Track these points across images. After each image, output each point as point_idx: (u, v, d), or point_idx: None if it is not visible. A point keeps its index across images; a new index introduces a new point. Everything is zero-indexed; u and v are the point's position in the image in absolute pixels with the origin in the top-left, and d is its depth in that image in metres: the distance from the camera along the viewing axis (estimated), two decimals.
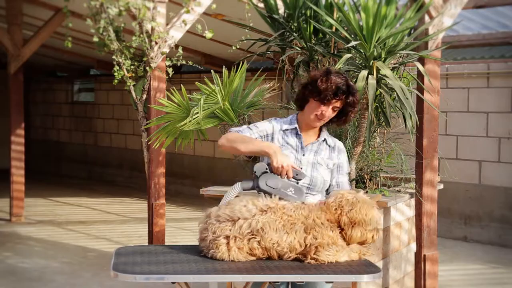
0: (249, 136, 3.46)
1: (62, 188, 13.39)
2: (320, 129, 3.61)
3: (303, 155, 3.51)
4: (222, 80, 5.04)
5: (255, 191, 3.37)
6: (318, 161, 3.52)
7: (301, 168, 3.41)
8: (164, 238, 6.23)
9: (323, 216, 3.14)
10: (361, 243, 3.17)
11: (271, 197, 3.18)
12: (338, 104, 3.45)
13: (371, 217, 3.15)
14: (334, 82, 3.40)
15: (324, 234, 3.08)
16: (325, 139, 3.59)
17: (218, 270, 2.90)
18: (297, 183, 3.29)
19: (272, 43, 5.44)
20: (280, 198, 3.19)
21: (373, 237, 3.17)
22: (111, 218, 10.03)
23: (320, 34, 5.37)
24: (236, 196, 3.28)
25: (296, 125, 3.54)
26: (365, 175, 5.17)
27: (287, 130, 3.53)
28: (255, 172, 3.26)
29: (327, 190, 3.57)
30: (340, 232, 3.15)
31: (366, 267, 3.01)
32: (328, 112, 3.45)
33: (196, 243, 3.30)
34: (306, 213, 3.13)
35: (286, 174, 3.25)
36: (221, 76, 5.05)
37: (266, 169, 3.25)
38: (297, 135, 3.53)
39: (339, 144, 3.65)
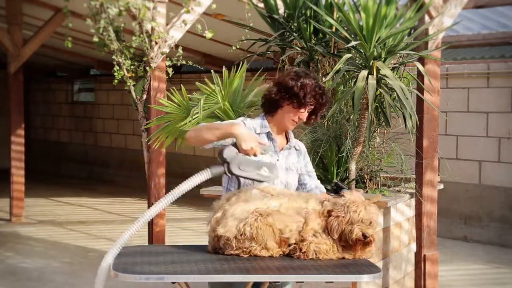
0: (214, 123, 3.35)
1: (62, 188, 13.39)
2: (287, 131, 3.55)
3: (277, 160, 3.44)
4: (222, 80, 5.04)
5: (227, 176, 3.27)
6: (290, 166, 3.49)
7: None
8: (164, 238, 6.23)
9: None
10: (365, 244, 3.13)
11: (239, 184, 3.15)
12: (313, 106, 3.42)
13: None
14: (310, 86, 3.35)
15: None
16: (294, 145, 3.55)
17: (218, 270, 2.90)
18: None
19: (272, 43, 5.44)
20: (257, 181, 3.13)
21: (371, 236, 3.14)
22: (112, 218, 10.04)
23: (320, 34, 5.37)
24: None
25: (269, 129, 3.44)
26: (365, 175, 5.17)
27: (260, 133, 3.43)
28: (225, 157, 3.07)
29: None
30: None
31: (366, 267, 3.01)
32: (305, 116, 3.42)
33: (196, 243, 3.30)
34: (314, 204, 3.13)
35: (255, 153, 3.13)
36: (221, 76, 5.05)
37: (236, 153, 3.09)
38: (271, 139, 3.44)
39: (303, 146, 3.62)
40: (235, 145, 3.12)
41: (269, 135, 3.43)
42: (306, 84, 3.34)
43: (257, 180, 3.13)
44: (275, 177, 3.18)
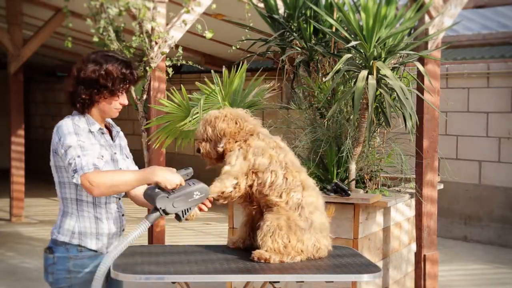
0: (114, 172, 3.00)
1: None
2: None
3: (115, 153, 3.21)
4: (222, 80, 5.04)
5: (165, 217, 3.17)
6: (126, 154, 3.32)
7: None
8: (164, 238, 6.23)
9: None
10: None
11: (182, 215, 3.02)
12: (128, 86, 3.17)
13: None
14: (117, 71, 3.07)
15: None
16: (118, 130, 3.34)
17: (219, 270, 2.90)
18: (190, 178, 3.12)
19: (272, 43, 5.44)
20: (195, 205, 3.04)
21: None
22: None
23: (320, 34, 5.37)
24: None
25: (98, 125, 3.15)
26: (365, 175, 5.17)
27: (93, 132, 3.11)
28: (160, 207, 2.95)
29: None
30: None
31: (366, 267, 3.01)
32: (125, 98, 3.18)
33: (196, 243, 3.30)
34: None
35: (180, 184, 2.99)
36: (221, 76, 5.05)
37: (167, 197, 2.95)
38: (103, 134, 3.18)
39: (119, 128, 3.41)
40: (157, 186, 2.98)
41: (102, 131, 3.17)
42: (110, 71, 3.06)
43: (193, 205, 3.05)
44: (208, 194, 3.06)
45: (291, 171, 3.13)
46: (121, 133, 3.37)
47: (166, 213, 2.98)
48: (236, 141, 3.18)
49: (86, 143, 2.99)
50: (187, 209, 3.02)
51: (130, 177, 2.94)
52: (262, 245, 3.05)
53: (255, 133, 3.20)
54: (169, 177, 2.94)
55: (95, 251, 3.10)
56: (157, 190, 2.97)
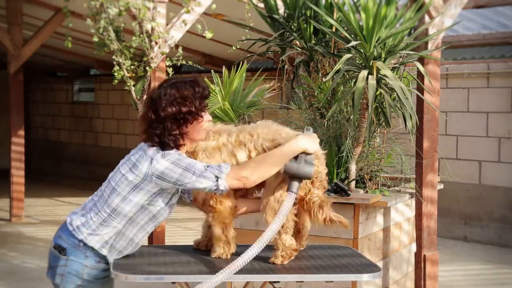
0: (260, 158, 2.99)
1: (62, 188, 13.39)
2: None
3: None
4: (222, 80, 5.04)
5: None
6: None
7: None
8: (164, 238, 6.23)
9: None
10: None
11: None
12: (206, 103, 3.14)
13: None
14: (189, 92, 3.01)
15: None
16: None
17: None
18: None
19: (272, 43, 5.44)
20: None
21: None
22: None
23: (320, 34, 5.37)
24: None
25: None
26: (365, 175, 5.17)
27: None
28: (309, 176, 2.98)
29: None
30: None
31: (366, 267, 3.01)
32: (208, 114, 3.15)
33: None
34: None
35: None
36: (221, 76, 5.05)
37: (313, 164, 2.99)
38: None
39: None
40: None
41: None
42: (187, 95, 2.99)
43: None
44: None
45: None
46: None
47: (311, 175, 2.96)
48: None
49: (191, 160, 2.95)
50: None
51: (278, 155, 2.94)
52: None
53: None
54: (308, 139, 2.97)
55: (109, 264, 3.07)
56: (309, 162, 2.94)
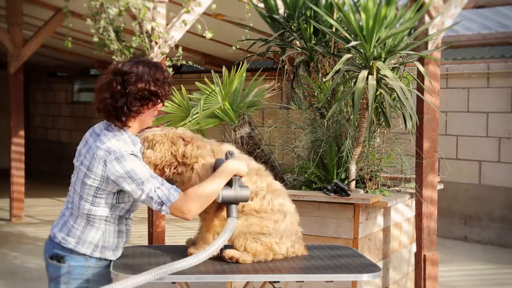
0: (198, 186, 2.96)
1: (62, 188, 13.35)
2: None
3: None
4: (222, 80, 5.04)
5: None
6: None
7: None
8: (164, 238, 6.23)
9: None
10: None
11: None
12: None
13: None
14: (166, 75, 3.02)
15: None
16: None
17: (218, 271, 2.90)
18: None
19: (272, 43, 5.44)
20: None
21: None
22: None
23: (320, 34, 5.37)
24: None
25: (140, 144, 3.07)
26: (365, 175, 5.17)
27: (133, 152, 2.96)
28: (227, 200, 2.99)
29: None
30: None
31: (366, 267, 3.01)
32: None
33: None
34: None
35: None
36: (221, 76, 5.05)
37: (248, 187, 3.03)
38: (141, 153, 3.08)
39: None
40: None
41: (142, 151, 3.07)
42: (158, 77, 2.98)
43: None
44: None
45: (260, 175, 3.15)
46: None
47: (246, 198, 2.99)
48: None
49: (141, 163, 2.91)
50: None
51: (215, 185, 2.93)
52: (236, 245, 3.04)
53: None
54: (239, 162, 2.98)
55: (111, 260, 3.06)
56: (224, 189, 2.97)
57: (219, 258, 3.09)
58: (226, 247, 3.05)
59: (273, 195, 3.14)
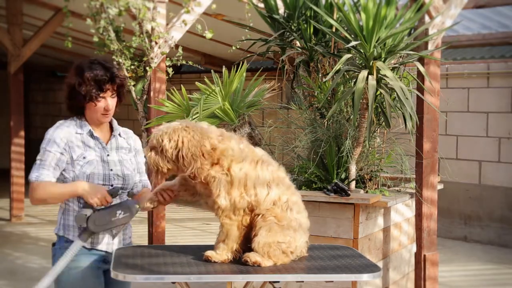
0: (52, 185, 3.20)
1: None
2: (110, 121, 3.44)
3: (108, 155, 3.32)
4: (222, 80, 5.04)
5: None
6: (123, 157, 3.37)
7: (111, 177, 3.28)
8: (164, 238, 6.23)
9: None
10: None
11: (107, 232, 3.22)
12: (110, 91, 3.29)
13: None
14: (92, 78, 3.26)
15: None
16: (119, 132, 3.44)
17: (218, 271, 2.90)
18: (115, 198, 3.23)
19: (272, 43, 5.44)
20: (120, 225, 3.19)
21: None
22: None
23: (320, 34, 5.37)
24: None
25: (89, 127, 3.33)
26: (365, 175, 5.17)
27: (81, 134, 3.33)
28: (80, 224, 3.13)
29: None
30: None
31: (366, 267, 3.01)
32: (110, 103, 3.30)
33: (196, 243, 3.30)
34: None
35: (106, 201, 3.15)
36: (221, 76, 5.05)
37: (86, 215, 3.11)
38: (93, 136, 3.33)
39: (138, 143, 3.50)
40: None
41: (91, 133, 3.33)
42: (87, 78, 3.28)
43: (119, 225, 3.20)
44: (135, 211, 3.22)
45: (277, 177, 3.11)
46: (120, 139, 3.43)
47: (92, 232, 3.15)
48: (213, 164, 3.04)
49: (51, 152, 3.25)
50: (114, 227, 3.17)
51: (61, 190, 3.17)
52: (257, 249, 3.02)
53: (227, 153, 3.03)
54: (91, 189, 3.14)
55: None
56: (81, 213, 3.12)
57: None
58: (244, 251, 3.04)
59: (289, 201, 3.09)
